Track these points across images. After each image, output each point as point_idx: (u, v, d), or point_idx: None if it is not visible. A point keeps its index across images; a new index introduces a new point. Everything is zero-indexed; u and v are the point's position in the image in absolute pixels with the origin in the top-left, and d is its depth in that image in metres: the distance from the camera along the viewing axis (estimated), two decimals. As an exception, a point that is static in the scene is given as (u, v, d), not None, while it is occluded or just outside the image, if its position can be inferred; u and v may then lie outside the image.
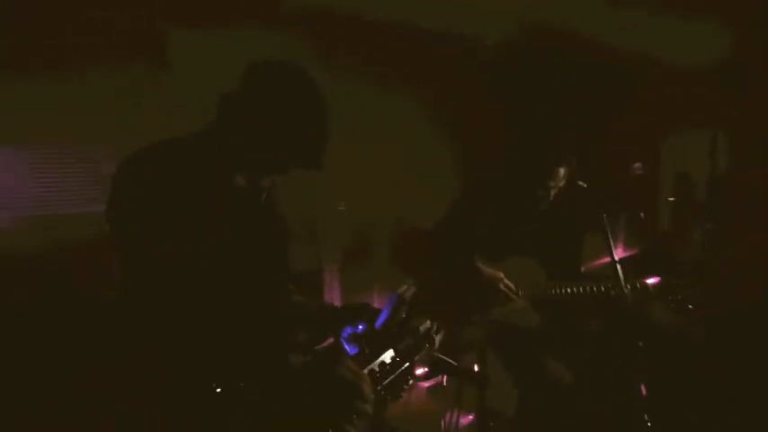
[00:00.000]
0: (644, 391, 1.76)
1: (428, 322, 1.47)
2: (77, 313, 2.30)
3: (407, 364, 1.34)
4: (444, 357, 1.47)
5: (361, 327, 1.48)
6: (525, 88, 4.05)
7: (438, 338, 1.48)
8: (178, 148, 1.24)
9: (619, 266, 1.89)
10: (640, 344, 1.73)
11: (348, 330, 1.47)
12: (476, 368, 2.26)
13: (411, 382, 1.35)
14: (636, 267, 2.41)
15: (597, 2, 3.21)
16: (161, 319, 1.15)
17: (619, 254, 2.17)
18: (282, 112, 1.20)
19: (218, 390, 1.12)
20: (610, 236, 1.90)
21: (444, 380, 2.73)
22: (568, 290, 2.34)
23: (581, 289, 2.33)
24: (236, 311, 1.27)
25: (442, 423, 2.59)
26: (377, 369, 1.29)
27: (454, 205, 2.49)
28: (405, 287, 1.45)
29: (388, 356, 1.32)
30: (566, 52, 4.12)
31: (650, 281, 2.34)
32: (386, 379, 1.29)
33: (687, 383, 2.51)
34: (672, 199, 4.46)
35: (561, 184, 2.34)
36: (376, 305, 1.51)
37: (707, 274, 2.28)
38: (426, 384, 3.27)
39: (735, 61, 3.52)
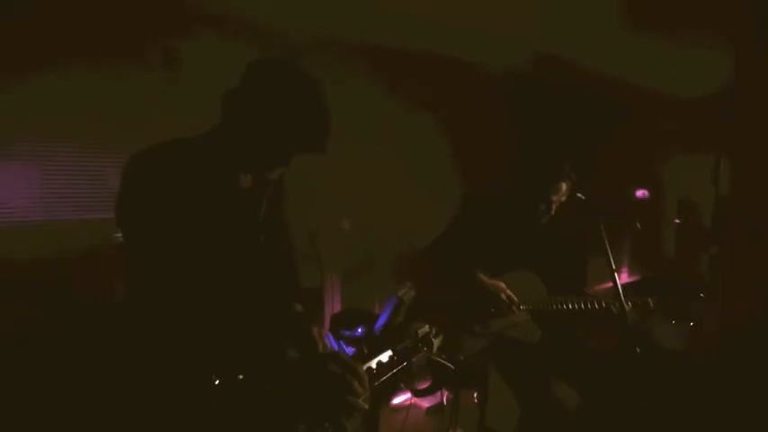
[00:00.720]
0: (645, 404, 1.74)
1: (426, 326, 1.48)
2: (81, 319, 2.31)
3: (404, 363, 1.34)
4: (442, 360, 1.47)
5: (360, 330, 1.49)
6: (528, 108, 4.11)
7: (436, 342, 1.49)
8: (185, 146, 1.27)
9: (618, 280, 1.89)
10: (637, 350, 1.71)
11: (347, 333, 1.49)
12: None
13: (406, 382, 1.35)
14: (639, 288, 2.40)
15: (600, 31, 3.29)
16: (165, 312, 1.17)
17: (623, 278, 2.17)
18: (281, 96, 1.21)
19: (217, 382, 1.13)
20: (608, 247, 1.91)
21: (444, 399, 2.70)
22: (569, 305, 2.33)
23: (582, 304, 2.33)
24: (237, 306, 1.28)
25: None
26: (374, 367, 1.29)
27: (456, 219, 2.50)
28: (404, 290, 1.47)
29: (385, 357, 1.33)
30: (570, 78, 4.20)
31: (651, 298, 2.34)
32: (383, 376, 1.29)
33: (688, 400, 2.48)
34: (677, 221, 4.47)
35: (563, 198, 2.36)
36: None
37: (709, 293, 2.26)
38: (425, 404, 3.23)
39: (735, 87, 3.56)
